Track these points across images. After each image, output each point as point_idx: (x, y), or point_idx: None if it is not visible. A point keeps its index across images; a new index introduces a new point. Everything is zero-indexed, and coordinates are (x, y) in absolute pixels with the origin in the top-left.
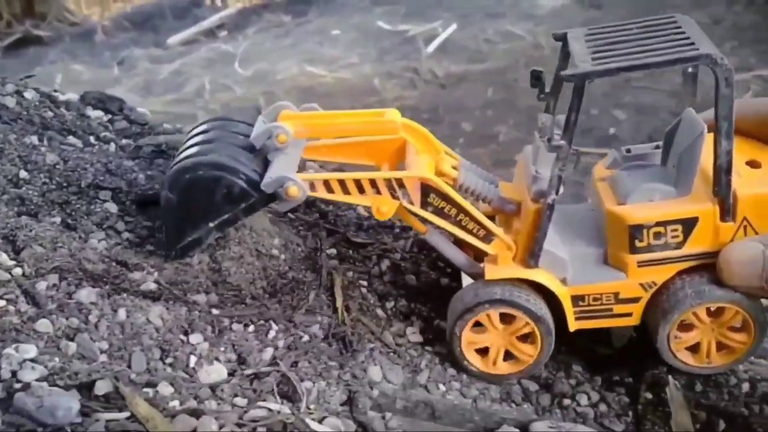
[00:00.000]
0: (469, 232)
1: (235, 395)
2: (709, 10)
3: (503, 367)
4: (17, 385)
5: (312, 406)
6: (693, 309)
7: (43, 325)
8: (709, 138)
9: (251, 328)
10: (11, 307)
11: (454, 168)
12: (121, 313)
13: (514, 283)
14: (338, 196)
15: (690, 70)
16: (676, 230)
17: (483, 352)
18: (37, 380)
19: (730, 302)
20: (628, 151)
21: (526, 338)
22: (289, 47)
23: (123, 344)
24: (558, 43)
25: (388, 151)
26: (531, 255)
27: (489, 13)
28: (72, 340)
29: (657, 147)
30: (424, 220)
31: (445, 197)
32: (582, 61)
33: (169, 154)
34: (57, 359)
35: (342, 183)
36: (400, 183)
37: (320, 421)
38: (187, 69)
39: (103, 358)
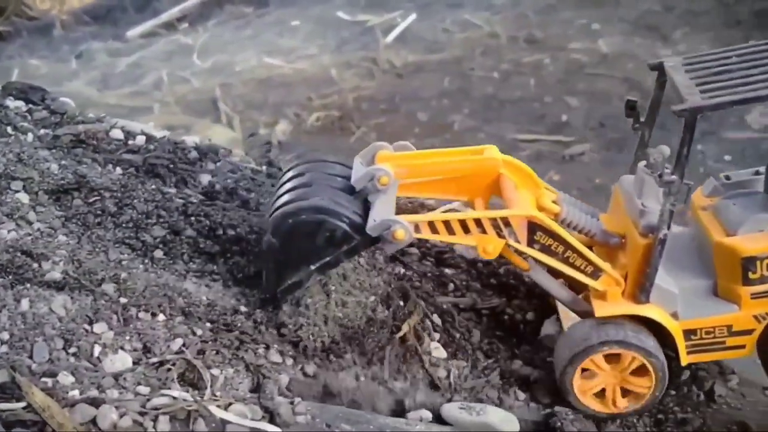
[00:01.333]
0: (576, 268)
1: (139, 383)
2: None
3: (623, 404)
4: None
5: (218, 393)
6: None
7: None
8: None
9: (159, 317)
10: None
11: (555, 202)
12: (24, 304)
13: (624, 320)
14: (443, 237)
15: None
16: None
17: (599, 393)
18: None
19: None
20: (728, 178)
21: (638, 371)
22: (249, 39)
23: (25, 334)
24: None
25: (481, 186)
26: (642, 290)
27: (448, 3)
28: None
29: (757, 173)
30: (527, 257)
31: (552, 235)
32: (689, 94)
33: (88, 143)
34: None
35: (447, 224)
36: (507, 222)
37: (226, 408)
38: (146, 62)
39: (4, 348)
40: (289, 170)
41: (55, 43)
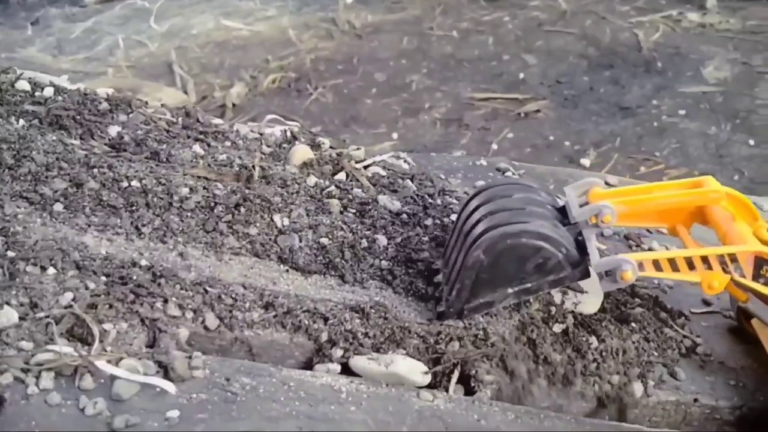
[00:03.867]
0: None
1: (22, 339)
2: None
3: None
4: None
5: (109, 348)
6: None
7: None
8: None
9: (50, 271)
10: None
11: None
12: None
13: None
14: (666, 274)
15: None
16: None
17: None
18: None
19: None
20: None
21: None
22: (206, 1)
23: None
24: None
25: (685, 213)
26: None
27: None
28: None
29: None
30: (746, 290)
31: None
32: None
33: None
34: None
35: (672, 261)
36: (733, 258)
37: (116, 363)
38: (102, 27)
39: None
40: (488, 189)
41: (11, 9)
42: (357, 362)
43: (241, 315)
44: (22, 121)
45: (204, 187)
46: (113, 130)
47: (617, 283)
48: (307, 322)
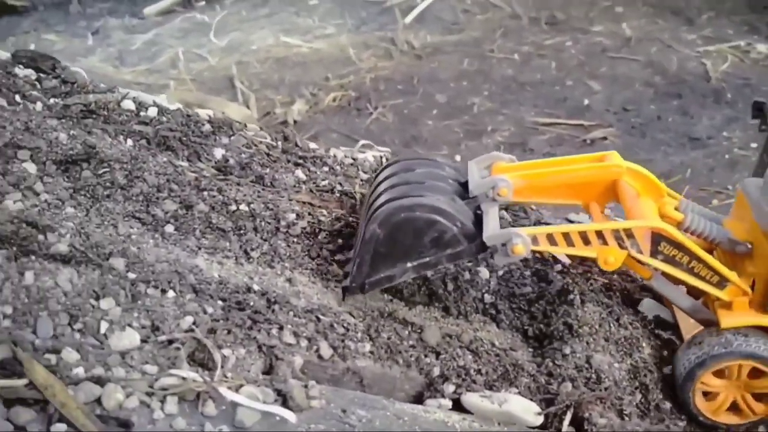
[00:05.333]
0: (702, 278)
1: (146, 362)
2: None
3: (724, 417)
4: None
5: (229, 374)
6: None
7: None
8: None
9: (169, 294)
10: None
11: (677, 209)
12: (28, 277)
13: (750, 331)
14: (562, 249)
15: None
16: None
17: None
18: None
19: None
20: None
21: (760, 396)
22: (265, 17)
23: (28, 309)
24: None
25: (598, 190)
26: None
27: None
28: None
29: None
30: (649, 267)
31: (677, 245)
32: None
33: (98, 114)
34: None
35: (566, 236)
36: (629, 233)
37: (237, 390)
38: (162, 39)
39: (7, 323)
40: (394, 164)
41: (71, 18)
42: (469, 399)
43: (353, 345)
44: (130, 141)
45: (309, 213)
46: (218, 153)
47: (509, 257)
48: (418, 356)
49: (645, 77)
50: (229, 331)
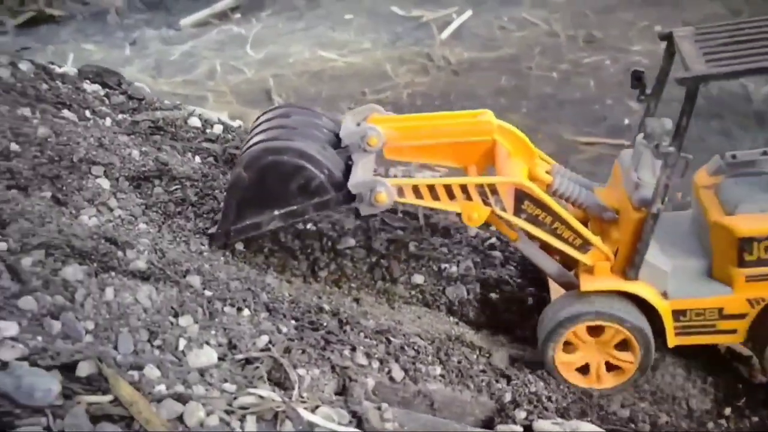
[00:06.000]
0: (565, 240)
1: (225, 380)
2: (726, 1)
3: (609, 380)
4: None
5: (305, 395)
6: None
7: (27, 302)
8: None
9: (245, 312)
10: None
11: (548, 173)
12: (109, 292)
13: (610, 296)
14: (427, 202)
15: None
16: None
17: (582, 368)
18: (18, 359)
19: None
20: (734, 157)
21: (622, 345)
22: (301, 31)
23: (109, 324)
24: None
25: (477, 154)
26: (632, 266)
27: (504, 1)
28: (56, 318)
29: (765, 153)
30: (515, 227)
31: (540, 205)
32: (694, 63)
33: (166, 130)
34: (39, 338)
35: (432, 189)
36: (493, 189)
37: (313, 410)
38: (199, 51)
39: (89, 338)
40: (272, 110)
41: (109, 29)
42: (541, 426)
43: (423, 368)
44: (198, 158)
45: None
46: None
47: (374, 207)
48: (489, 381)
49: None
50: (303, 351)
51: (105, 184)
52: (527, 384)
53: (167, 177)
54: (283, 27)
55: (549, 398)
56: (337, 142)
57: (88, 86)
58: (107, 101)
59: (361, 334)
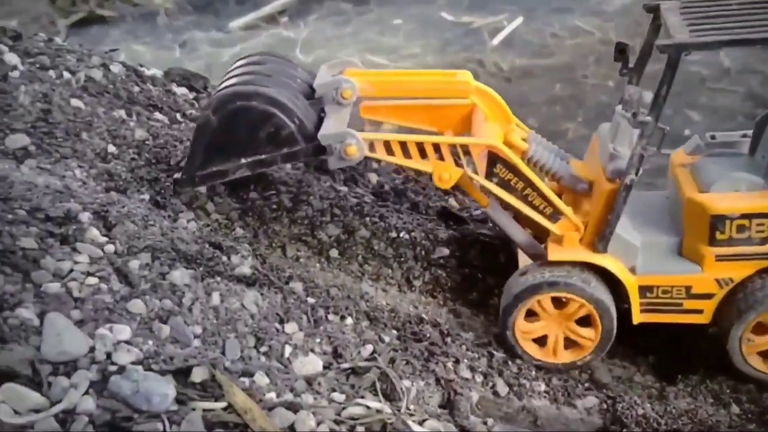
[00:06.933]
0: (535, 208)
1: (333, 390)
2: None
3: (564, 356)
4: (112, 368)
5: (412, 407)
6: None
7: (136, 305)
8: None
9: (348, 320)
10: (104, 285)
11: (525, 140)
12: (215, 297)
13: (577, 267)
14: (398, 159)
15: None
16: (761, 225)
17: (540, 341)
18: (132, 363)
19: None
20: (713, 137)
21: (584, 322)
22: (350, 35)
23: (217, 329)
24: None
25: (454, 118)
26: (601, 238)
27: (555, 8)
28: (165, 322)
29: (745, 135)
30: (487, 193)
31: (513, 169)
32: (678, 32)
33: None
34: (150, 342)
35: (404, 145)
36: (466, 150)
37: (421, 423)
38: (248, 53)
39: (197, 343)
40: (248, 56)
41: (158, 30)
42: None
43: (527, 384)
44: (288, 164)
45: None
46: (373, 178)
47: (343, 160)
48: (594, 399)
49: (746, 109)
50: (407, 362)
51: (201, 188)
52: (634, 406)
53: (263, 182)
54: (331, 32)
55: (658, 421)
56: (311, 94)
57: (177, 89)
58: (196, 104)
59: (463, 347)
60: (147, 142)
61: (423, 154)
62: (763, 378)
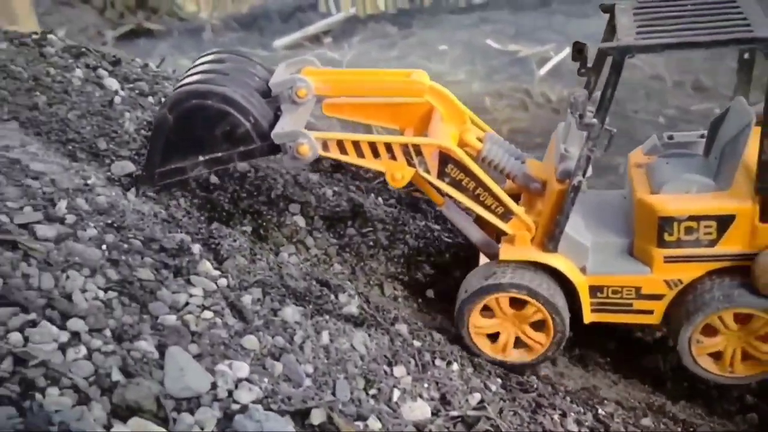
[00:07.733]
0: (487, 208)
1: None
2: None
3: (514, 355)
4: (234, 406)
5: None
6: (719, 313)
7: (250, 341)
8: (756, 131)
9: (454, 366)
10: (218, 320)
11: (480, 140)
12: (325, 336)
13: (529, 267)
14: (351, 159)
15: (746, 55)
16: (709, 227)
17: (493, 337)
18: (253, 402)
19: (761, 310)
20: (671, 138)
21: (538, 326)
22: (395, 59)
23: (327, 369)
24: None
25: (414, 117)
26: (550, 238)
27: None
28: (278, 359)
29: (702, 136)
30: (442, 192)
31: (463, 169)
32: (625, 35)
33: (346, 169)
34: (266, 380)
35: (356, 145)
36: (418, 150)
37: None
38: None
39: (308, 382)
40: (208, 54)
41: (204, 45)
42: None
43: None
44: (380, 199)
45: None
46: None
47: (297, 159)
48: None
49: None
50: (515, 413)
51: (301, 222)
52: None
53: (360, 219)
54: (376, 54)
55: None
56: (268, 92)
57: None
58: None
59: (567, 399)
60: (249, 174)
61: (376, 153)
62: (713, 380)
